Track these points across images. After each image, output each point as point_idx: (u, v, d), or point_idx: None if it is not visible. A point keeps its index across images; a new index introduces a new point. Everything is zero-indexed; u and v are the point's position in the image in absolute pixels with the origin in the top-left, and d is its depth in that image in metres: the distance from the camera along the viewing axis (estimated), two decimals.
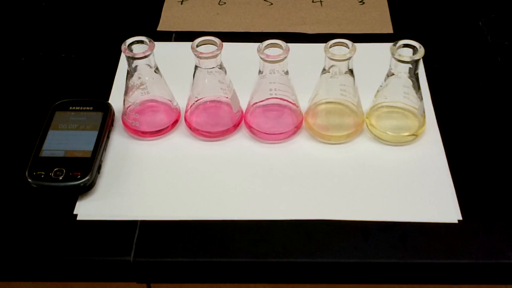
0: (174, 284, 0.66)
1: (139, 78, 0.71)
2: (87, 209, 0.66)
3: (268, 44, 0.68)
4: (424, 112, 0.72)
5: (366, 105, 0.73)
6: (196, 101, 0.73)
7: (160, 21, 0.90)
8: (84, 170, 0.66)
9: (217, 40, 0.69)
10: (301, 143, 0.73)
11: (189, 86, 0.72)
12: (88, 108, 0.73)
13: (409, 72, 0.68)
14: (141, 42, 0.69)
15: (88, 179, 0.66)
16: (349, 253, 0.62)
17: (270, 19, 0.90)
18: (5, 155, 0.72)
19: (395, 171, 0.69)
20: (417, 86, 0.70)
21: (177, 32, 0.88)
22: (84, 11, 0.92)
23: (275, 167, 0.70)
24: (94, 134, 0.70)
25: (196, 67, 0.70)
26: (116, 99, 0.76)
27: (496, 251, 0.62)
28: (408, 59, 0.67)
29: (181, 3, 0.93)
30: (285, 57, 0.67)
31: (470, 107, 0.76)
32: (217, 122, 0.73)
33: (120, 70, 0.81)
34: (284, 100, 0.72)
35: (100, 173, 0.69)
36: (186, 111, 0.74)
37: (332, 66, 0.68)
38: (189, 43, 0.68)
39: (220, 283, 0.66)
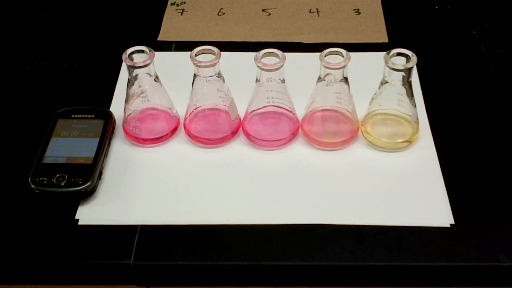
0: (173, 287, 0.67)
1: (140, 86, 0.72)
2: (88, 214, 0.68)
3: (265, 53, 0.69)
4: (417, 119, 0.73)
5: (361, 113, 0.74)
6: (195, 109, 0.75)
7: (161, 31, 0.91)
8: (86, 176, 0.68)
9: (215, 49, 0.70)
10: (298, 150, 0.74)
11: (188, 94, 0.74)
12: (89, 116, 0.75)
13: (403, 80, 0.70)
14: (142, 51, 0.71)
15: (89, 185, 0.68)
16: (344, 256, 0.64)
17: (268, 29, 0.91)
18: (9, 162, 0.73)
19: (389, 177, 0.71)
20: (410, 94, 0.71)
21: (177, 42, 0.89)
22: (86, 22, 0.94)
23: (272, 173, 0.71)
24: (95, 141, 0.72)
25: (195, 75, 0.71)
26: (117, 107, 0.78)
27: (488, 254, 0.63)
28: (401, 67, 0.68)
29: (181, 14, 0.94)
30: (282, 66, 0.69)
31: (463, 114, 0.78)
32: (216, 129, 0.74)
33: (121, 78, 0.83)
34: (281, 107, 0.74)
35: (101, 179, 0.70)
36: (185, 119, 0.75)
37: (327, 74, 0.70)
38: (188, 53, 0.70)
39: (219, 286, 0.67)
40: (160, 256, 0.64)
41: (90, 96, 0.81)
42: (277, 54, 0.69)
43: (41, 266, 0.65)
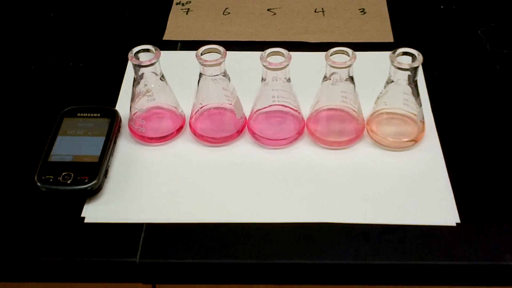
0: (179, 285, 0.67)
1: (145, 85, 0.73)
2: (94, 212, 0.68)
3: (270, 52, 0.70)
4: (423, 118, 0.73)
5: (366, 112, 0.74)
6: (200, 107, 0.75)
7: (166, 30, 0.91)
8: (92, 174, 0.68)
9: (221, 48, 0.70)
10: (303, 149, 0.74)
11: (193, 93, 0.74)
12: (95, 114, 0.75)
13: (408, 79, 0.70)
14: (147, 50, 0.71)
15: (95, 183, 0.68)
16: (349, 255, 0.64)
17: (274, 28, 0.91)
18: (15, 160, 0.74)
19: (395, 176, 0.71)
20: (416, 93, 0.71)
21: (182, 41, 0.90)
22: (91, 21, 0.94)
23: (278, 172, 0.72)
24: (101, 140, 0.72)
25: (200, 74, 0.71)
26: (123, 106, 0.78)
27: (493, 253, 0.63)
28: (407, 67, 0.68)
29: (187, 13, 0.95)
30: (287, 65, 0.69)
31: (468, 114, 0.78)
32: (221, 128, 0.75)
33: (127, 77, 0.83)
34: (287, 106, 0.74)
35: (107, 177, 0.70)
36: (190, 118, 0.75)
37: (333, 73, 0.70)
38: (194, 52, 0.70)
39: (224, 284, 0.67)
40: (166, 254, 0.64)
41: (96, 95, 0.82)
42: (283, 53, 0.70)
43: (47, 264, 0.65)
